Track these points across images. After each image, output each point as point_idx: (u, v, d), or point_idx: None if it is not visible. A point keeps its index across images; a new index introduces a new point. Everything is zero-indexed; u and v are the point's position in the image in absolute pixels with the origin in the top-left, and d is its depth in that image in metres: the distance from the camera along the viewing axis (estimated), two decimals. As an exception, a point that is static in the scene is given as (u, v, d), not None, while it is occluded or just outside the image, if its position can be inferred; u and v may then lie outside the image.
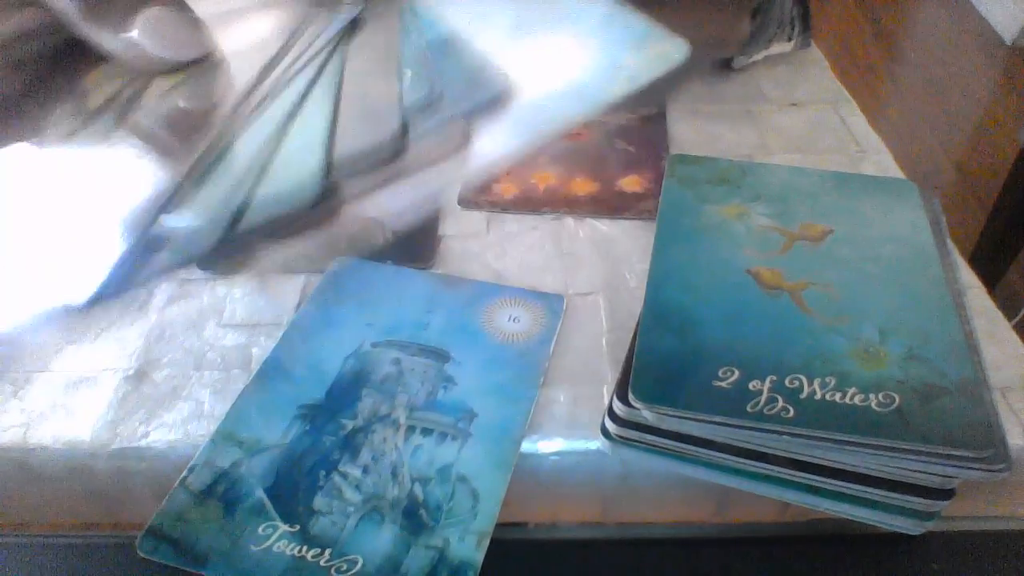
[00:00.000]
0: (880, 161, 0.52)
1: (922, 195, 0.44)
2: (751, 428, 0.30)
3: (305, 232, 0.31)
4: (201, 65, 0.35)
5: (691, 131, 0.55)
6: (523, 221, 0.47)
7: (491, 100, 0.31)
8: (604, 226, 0.46)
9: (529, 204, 0.48)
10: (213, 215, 0.30)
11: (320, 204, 0.30)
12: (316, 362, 0.37)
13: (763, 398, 0.31)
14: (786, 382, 0.32)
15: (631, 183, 0.49)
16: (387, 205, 0.30)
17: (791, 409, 0.31)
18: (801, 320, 0.35)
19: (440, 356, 0.38)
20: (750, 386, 0.32)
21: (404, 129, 0.30)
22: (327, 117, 0.31)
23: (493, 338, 0.39)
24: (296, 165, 0.30)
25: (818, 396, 0.31)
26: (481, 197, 0.48)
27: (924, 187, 0.45)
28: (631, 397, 0.31)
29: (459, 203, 0.48)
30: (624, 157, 0.52)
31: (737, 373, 0.32)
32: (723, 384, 0.32)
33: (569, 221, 0.47)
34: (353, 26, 0.36)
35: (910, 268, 0.38)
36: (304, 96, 0.33)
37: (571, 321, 0.40)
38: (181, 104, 0.34)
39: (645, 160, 0.52)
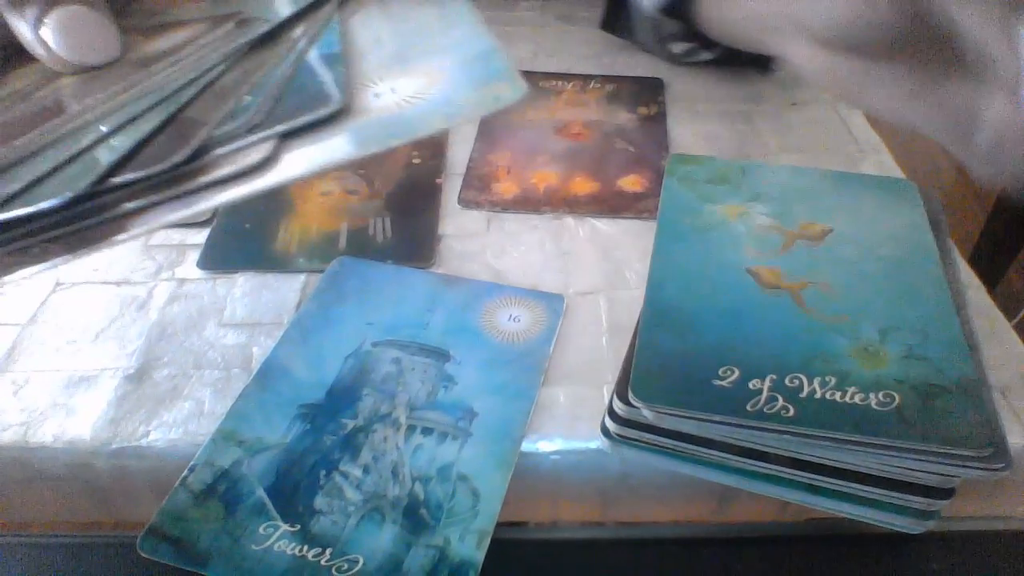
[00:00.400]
0: (880, 161, 0.52)
1: (922, 194, 0.44)
2: (751, 427, 0.30)
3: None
4: (105, 69, 0.35)
5: (691, 131, 0.55)
6: (523, 221, 0.47)
7: (315, 120, 0.32)
8: (604, 226, 0.47)
9: (529, 204, 0.48)
10: None
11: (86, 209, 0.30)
12: (316, 362, 0.37)
13: (763, 397, 0.31)
14: (786, 381, 0.32)
15: (631, 183, 0.50)
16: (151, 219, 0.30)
17: (791, 408, 0.31)
18: (801, 319, 0.35)
19: (440, 355, 0.38)
20: (750, 385, 0.32)
21: (194, 152, 0.30)
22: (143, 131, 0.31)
23: (493, 337, 0.39)
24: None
25: (818, 395, 0.31)
26: (481, 197, 0.48)
27: (924, 187, 0.45)
28: (631, 396, 0.31)
29: (459, 203, 0.48)
30: (624, 157, 0.52)
31: (737, 372, 0.32)
32: (723, 383, 0.32)
33: (569, 220, 0.47)
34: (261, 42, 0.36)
35: (910, 267, 0.38)
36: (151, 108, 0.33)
37: (571, 320, 0.40)
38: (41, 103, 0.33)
39: (645, 160, 0.52)
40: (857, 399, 0.31)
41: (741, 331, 0.35)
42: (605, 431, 0.34)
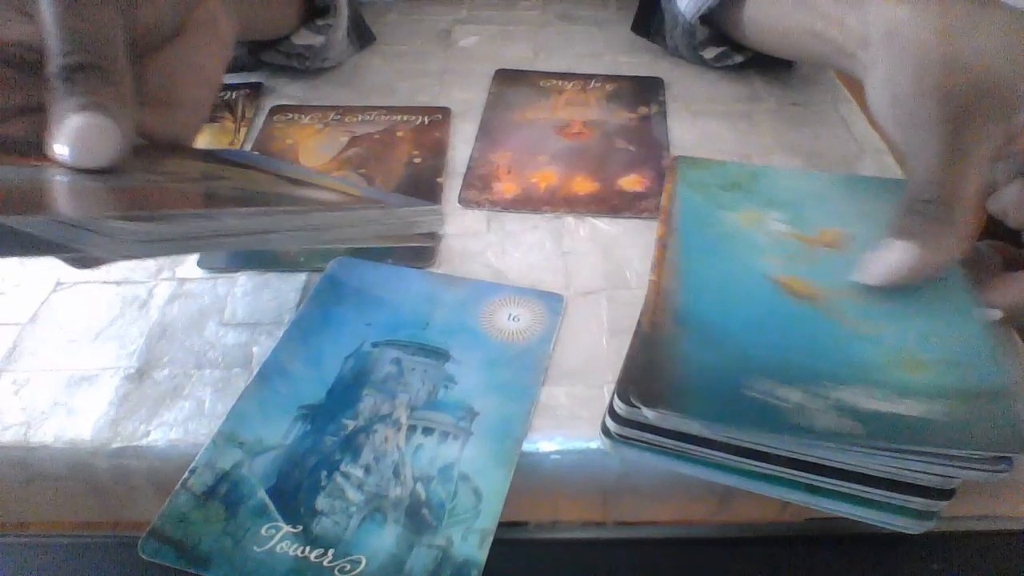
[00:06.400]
0: (880, 161, 0.52)
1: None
2: (788, 439, 0.30)
3: None
4: None
5: (691, 131, 0.55)
6: (524, 220, 0.47)
7: None
8: (604, 225, 0.47)
9: (530, 203, 0.48)
10: None
11: None
12: (316, 362, 0.37)
13: (800, 408, 0.31)
14: (821, 391, 0.31)
15: (631, 182, 0.50)
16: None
17: (828, 418, 0.30)
18: (830, 328, 0.35)
19: (440, 355, 0.38)
20: (784, 395, 0.31)
21: None
22: None
23: (493, 337, 0.39)
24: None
25: (854, 405, 0.31)
26: (482, 196, 0.48)
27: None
28: (663, 408, 0.31)
29: (460, 202, 0.48)
30: (624, 156, 0.52)
31: (771, 383, 0.32)
32: (757, 395, 0.31)
33: (570, 220, 0.47)
34: None
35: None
36: None
37: (571, 320, 0.40)
38: None
39: (645, 160, 0.52)
40: (896, 407, 0.31)
41: (772, 342, 0.34)
42: (606, 431, 0.34)
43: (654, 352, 0.34)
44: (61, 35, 0.31)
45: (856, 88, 0.60)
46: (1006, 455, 0.29)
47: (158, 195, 0.32)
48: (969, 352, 0.33)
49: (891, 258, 0.35)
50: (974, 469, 0.29)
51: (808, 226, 0.41)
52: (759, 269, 0.38)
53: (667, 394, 0.31)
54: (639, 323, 0.37)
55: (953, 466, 0.29)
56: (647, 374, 0.33)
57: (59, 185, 0.29)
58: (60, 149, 0.30)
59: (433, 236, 0.45)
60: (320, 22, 0.57)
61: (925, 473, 0.30)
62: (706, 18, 0.58)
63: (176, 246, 0.28)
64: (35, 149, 0.31)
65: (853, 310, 0.36)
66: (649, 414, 0.31)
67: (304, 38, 0.58)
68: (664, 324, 0.36)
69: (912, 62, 0.37)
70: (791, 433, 0.30)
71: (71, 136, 0.29)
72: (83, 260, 0.33)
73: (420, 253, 0.44)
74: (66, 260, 0.33)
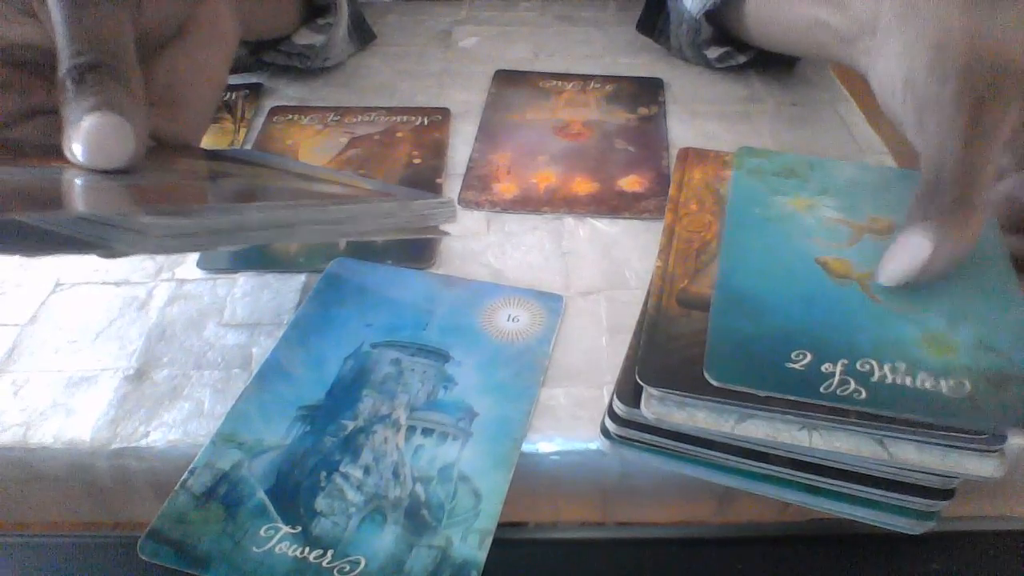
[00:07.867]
0: (880, 161, 0.52)
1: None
2: (825, 407, 0.30)
3: None
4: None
5: (691, 131, 0.55)
6: (523, 221, 0.47)
7: None
8: (604, 225, 0.47)
9: (529, 204, 0.48)
10: None
11: None
12: (316, 363, 0.37)
13: (835, 380, 0.31)
14: (857, 366, 0.32)
15: (631, 183, 0.50)
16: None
17: (863, 391, 0.31)
18: (870, 308, 0.35)
19: (440, 356, 0.38)
20: (822, 368, 0.32)
21: None
22: None
23: (493, 338, 0.39)
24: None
25: (889, 380, 0.31)
26: (481, 197, 0.48)
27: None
28: (706, 375, 0.31)
29: (459, 203, 0.48)
30: (624, 157, 0.52)
31: (810, 356, 0.32)
32: (796, 366, 0.32)
33: (569, 220, 0.47)
34: None
35: (978, 261, 0.38)
36: None
37: (571, 320, 0.40)
38: None
39: (645, 160, 0.52)
40: (928, 385, 0.31)
41: (812, 317, 0.34)
42: (605, 432, 0.34)
43: (659, 334, 0.34)
44: (71, 36, 0.30)
45: (856, 88, 0.60)
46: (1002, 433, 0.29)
47: (179, 191, 0.32)
48: (1006, 335, 0.33)
49: (905, 255, 0.34)
50: (970, 448, 0.29)
51: (859, 214, 0.41)
52: (804, 250, 0.39)
53: (711, 363, 0.31)
54: (639, 323, 0.37)
55: (947, 445, 0.29)
56: (652, 356, 0.33)
57: (80, 185, 0.29)
58: (76, 150, 0.29)
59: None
60: (321, 21, 0.57)
61: (924, 473, 0.30)
62: (711, 16, 0.58)
63: (203, 240, 0.28)
64: (52, 151, 0.31)
65: (891, 292, 0.36)
66: (648, 414, 0.31)
67: (305, 37, 0.58)
68: (670, 308, 0.36)
69: (931, 37, 0.36)
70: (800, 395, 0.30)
71: (85, 137, 0.29)
72: (111, 251, 0.33)
73: (420, 253, 0.44)
74: (92, 252, 0.33)
